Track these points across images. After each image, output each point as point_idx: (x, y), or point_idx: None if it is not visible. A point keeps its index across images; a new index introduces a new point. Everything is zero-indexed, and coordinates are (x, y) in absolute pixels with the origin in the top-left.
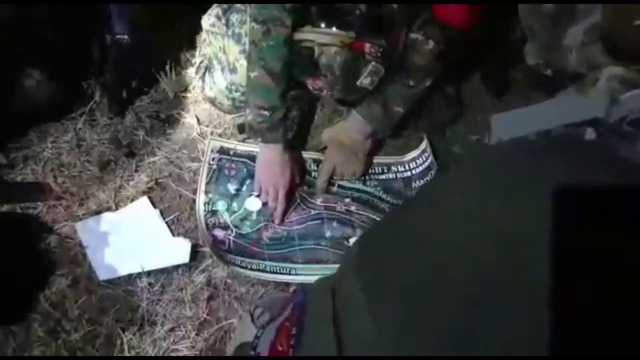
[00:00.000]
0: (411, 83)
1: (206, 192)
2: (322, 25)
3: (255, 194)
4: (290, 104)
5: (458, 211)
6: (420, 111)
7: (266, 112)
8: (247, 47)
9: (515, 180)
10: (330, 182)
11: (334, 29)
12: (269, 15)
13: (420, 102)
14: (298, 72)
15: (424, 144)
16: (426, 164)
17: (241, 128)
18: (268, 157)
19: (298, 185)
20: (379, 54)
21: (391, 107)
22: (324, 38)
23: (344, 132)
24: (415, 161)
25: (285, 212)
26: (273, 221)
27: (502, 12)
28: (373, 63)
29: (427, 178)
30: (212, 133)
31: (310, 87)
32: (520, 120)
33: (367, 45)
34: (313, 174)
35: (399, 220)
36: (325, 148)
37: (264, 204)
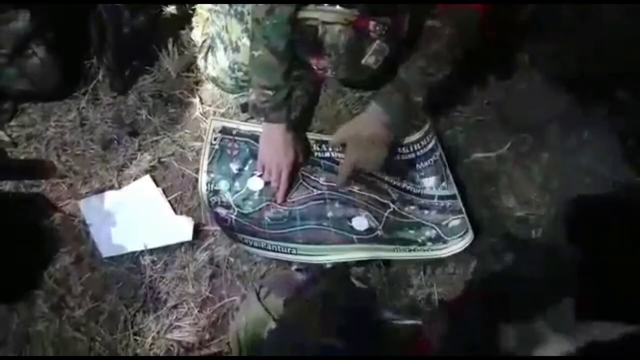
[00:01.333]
0: (431, 71)
1: (208, 172)
2: (326, 3)
3: (258, 173)
4: (293, 84)
5: None
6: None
7: (269, 92)
8: (249, 25)
9: None
10: (333, 159)
11: (337, 6)
12: None
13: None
14: (302, 51)
15: (427, 126)
16: (430, 145)
17: (244, 107)
18: (271, 136)
19: (301, 166)
20: (383, 32)
21: (412, 97)
22: (327, 16)
23: (362, 124)
24: (419, 143)
25: (287, 193)
26: (275, 201)
27: None
28: (377, 42)
29: (431, 159)
30: (214, 113)
31: (315, 67)
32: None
33: (372, 23)
34: (316, 154)
35: None
36: (344, 145)
37: (267, 184)
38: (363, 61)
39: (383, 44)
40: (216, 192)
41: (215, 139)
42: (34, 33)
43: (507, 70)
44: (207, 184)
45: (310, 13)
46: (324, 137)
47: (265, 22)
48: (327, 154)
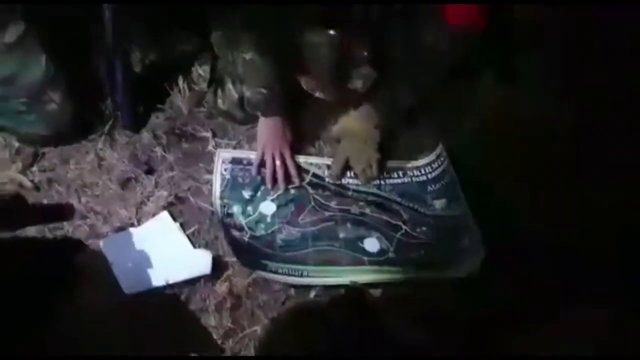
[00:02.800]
0: (421, 78)
1: (221, 198)
2: (315, 25)
3: (270, 198)
4: (286, 81)
5: None
6: (430, 110)
7: (263, 90)
8: (241, 32)
9: None
10: (344, 186)
11: (331, 31)
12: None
13: (429, 98)
14: (291, 70)
15: (439, 149)
16: (442, 167)
17: (240, 104)
18: (268, 125)
19: (298, 150)
20: (370, 58)
21: (400, 99)
22: (314, 38)
23: (354, 121)
24: (430, 166)
25: (296, 172)
26: (288, 223)
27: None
28: (365, 66)
29: (443, 182)
30: (227, 145)
31: (304, 86)
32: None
33: (358, 48)
34: (327, 179)
35: None
36: (339, 141)
37: (278, 207)
38: (350, 85)
39: (370, 69)
40: (230, 215)
41: (225, 169)
42: (50, 79)
43: (513, 81)
44: (220, 207)
45: (298, 34)
46: (320, 160)
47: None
48: (337, 180)
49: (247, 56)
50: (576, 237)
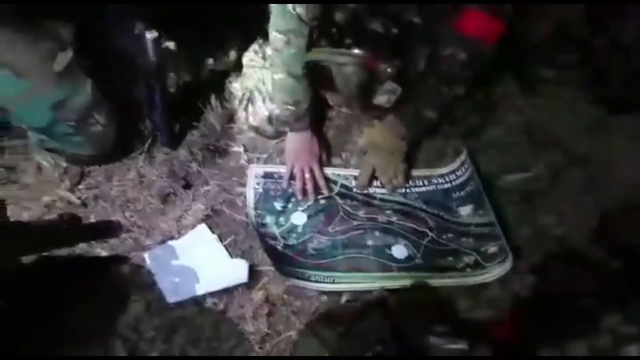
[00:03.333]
0: (444, 90)
1: (255, 209)
2: (341, 45)
3: (301, 209)
4: (313, 97)
5: None
6: (453, 118)
7: (292, 107)
8: (270, 52)
9: None
10: (371, 195)
11: (351, 50)
12: (289, 27)
13: (452, 107)
14: (317, 86)
15: (463, 156)
16: (466, 175)
17: (269, 120)
18: (296, 141)
19: (324, 162)
20: (394, 73)
21: (424, 112)
22: (341, 58)
23: (380, 134)
24: (454, 173)
25: (326, 183)
26: (319, 232)
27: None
28: (389, 82)
29: (467, 189)
30: (258, 159)
31: (330, 102)
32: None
33: (382, 65)
34: (354, 189)
35: None
36: (364, 153)
37: (309, 217)
38: (375, 100)
39: (394, 84)
40: (264, 225)
41: (258, 183)
42: (95, 103)
43: (534, 86)
44: (254, 218)
45: (324, 55)
46: (342, 171)
47: (284, 52)
48: (365, 190)
49: (277, 76)
50: (597, 244)
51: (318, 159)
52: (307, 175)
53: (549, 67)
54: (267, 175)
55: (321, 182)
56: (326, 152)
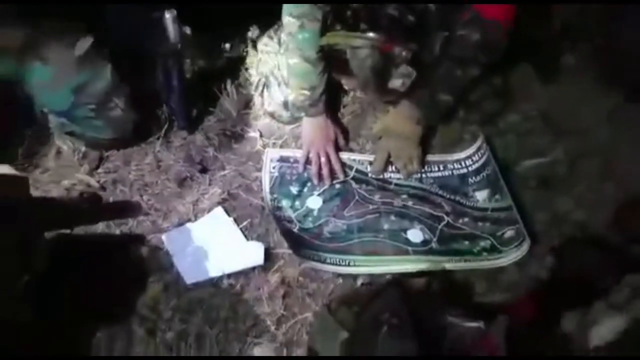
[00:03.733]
0: (458, 73)
1: (271, 193)
2: (356, 29)
3: (316, 193)
4: (328, 81)
5: None
6: (470, 103)
7: (307, 92)
8: (284, 37)
9: None
10: (386, 180)
11: (366, 33)
12: (302, 11)
13: (468, 92)
14: (331, 71)
15: (480, 141)
16: (482, 160)
17: (285, 105)
18: (312, 126)
19: (341, 146)
20: (409, 57)
21: (439, 95)
22: (355, 42)
23: (394, 119)
24: (471, 158)
25: (342, 167)
26: (334, 216)
27: None
28: (404, 65)
29: (483, 174)
30: (274, 144)
31: (345, 87)
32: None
33: (397, 48)
34: (369, 174)
35: None
36: (379, 138)
37: (324, 202)
38: (390, 84)
39: (409, 68)
40: (279, 209)
41: (274, 167)
42: (115, 87)
43: (552, 73)
44: (270, 201)
45: (339, 39)
46: (359, 156)
47: (298, 36)
48: (380, 175)
49: (292, 61)
50: (616, 229)
51: (333, 144)
52: (323, 160)
53: (568, 54)
54: (283, 160)
55: (337, 167)
56: (342, 137)
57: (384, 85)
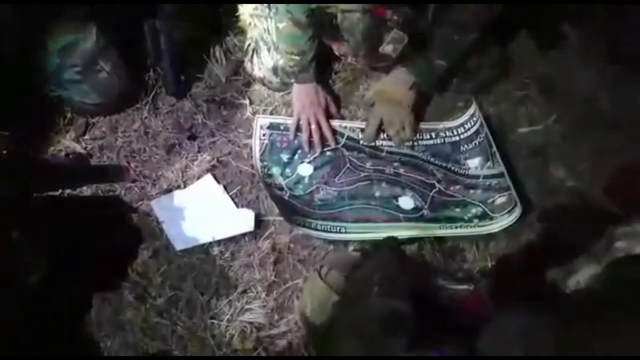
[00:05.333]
0: (455, 37)
1: (261, 160)
2: None
3: (307, 160)
4: (318, 47)
5: None
6: (465, 71)
7: (296, 57)
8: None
9: None
10: (378, 148)
11: None
12: None
13: (464, 58)
14: (323, 36)
15: (473, 109)
16: (474, 128)
17: (274, 71)
18: (302, 92)
19: (333, 113)
20: (401, 21)
21: (434, 60)
22: (346, 6)
23: (388, 84)
24: (463, 126)
25: (332, 134)
26: (325, 183)
27: None
28: (395, 30)
29: (476, 141)
30: (264, 111)
31: (336, 52)
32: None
33: (389, 12)
34: (361, 141)
35: None
36: (371, 105)
37: (315, 169)
38: (381, 49)
39: (401, 33)
40: (270, 176)
41: (264, 134)
42: (101, 50)
43: (551, 42)
44: (261, 169)
45: (330, 2)
46: (353, 124)
47: None
48: (371, 142)
49: (281, 24)
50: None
51: (324, 111)
52: (314, 127)
53: (566, 22)
54: (273, 127)
55: (328, 134)
56: (333, 104)
57: (375, 50)
